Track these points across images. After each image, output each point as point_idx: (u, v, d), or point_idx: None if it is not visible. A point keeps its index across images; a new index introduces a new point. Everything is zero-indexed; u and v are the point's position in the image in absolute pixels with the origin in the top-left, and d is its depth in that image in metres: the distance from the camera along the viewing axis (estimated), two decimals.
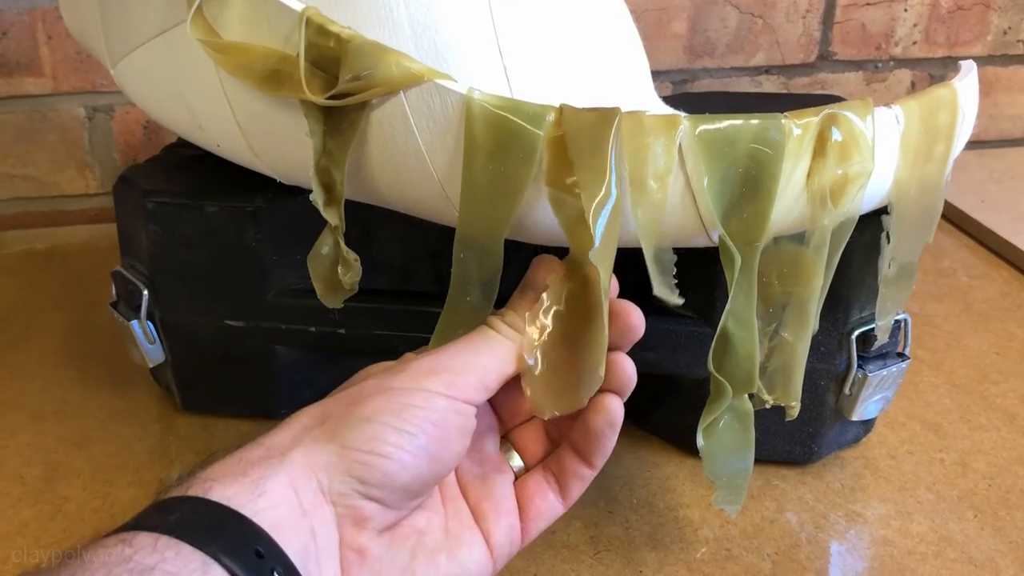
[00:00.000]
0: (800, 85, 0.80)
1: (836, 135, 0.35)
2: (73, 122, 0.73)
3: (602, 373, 0.34)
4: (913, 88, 0.82)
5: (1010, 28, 0.81)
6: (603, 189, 0.32)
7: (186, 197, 0.45)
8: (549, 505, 0.36)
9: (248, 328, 0.47)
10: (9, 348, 0.58)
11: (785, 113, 0.35)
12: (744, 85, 0.79)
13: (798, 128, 0.34)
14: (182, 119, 0.43)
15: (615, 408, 0.35)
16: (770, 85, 0.79)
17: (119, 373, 0.55)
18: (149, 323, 0.48)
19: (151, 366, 0.50)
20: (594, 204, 0.32)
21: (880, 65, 0.81)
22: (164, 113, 0.44)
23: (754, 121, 0.34)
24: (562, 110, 0.33)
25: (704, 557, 0.42)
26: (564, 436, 0.37)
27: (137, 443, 0.49)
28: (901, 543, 0.42)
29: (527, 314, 0.34)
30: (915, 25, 0.79)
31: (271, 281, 0.46)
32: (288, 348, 0.48)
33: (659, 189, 0.34)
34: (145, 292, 0.47)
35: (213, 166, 0.45)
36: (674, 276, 0.35)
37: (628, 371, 0.35)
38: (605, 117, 0.33)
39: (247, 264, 0.46)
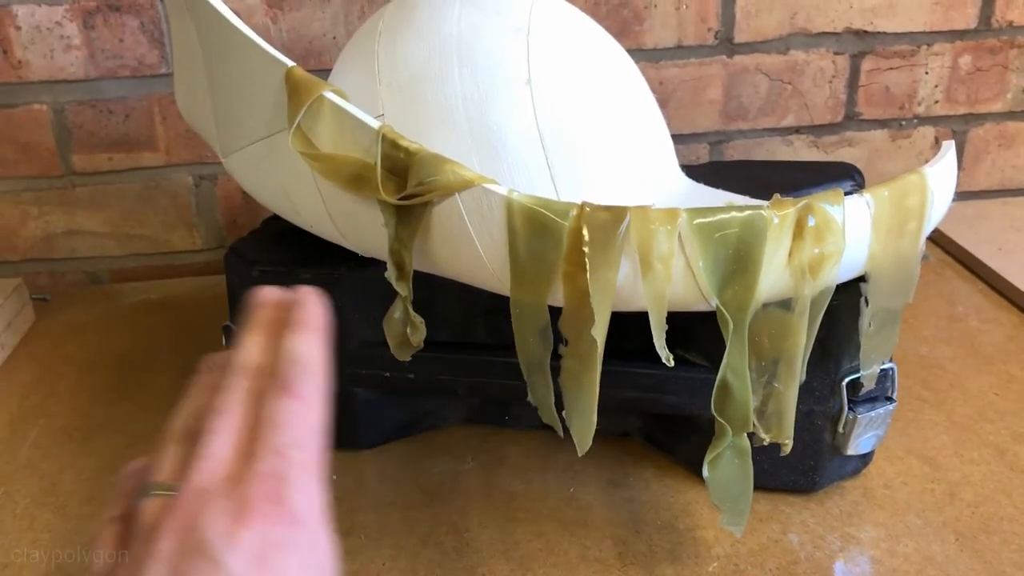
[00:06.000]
0: (829, 143, 0.87)
1: (812, 221, 0.43)
2: (183, 189, 0.84)
3: (595, 418, 0.43)
4: (937, 143, 0.88)
5: None
6: (607, 278, 0.41)
7: (285, 266, 0.55)
8: None
9: (333, 373, 0.56)
10: (134, 387, 0.68)
11: (767, 204, 0.42)
12: (776, 144, 0.86)
13: (777, 217, 0.42)
14: (283, 205, 0.53)
15: None
16: (800, 144, 0.86)
17: None
18: None
19: None
20: (600, 288, 0.41)
21: (904, 123, 0.87)
22: (268, 198, 0.54)
23: (740, 213, 0.42)
24: (583, 207, 0.42)
25: (714, 571, 0.49)
26: None
27: None
28: (888, 562, 0.49)
29: None
30: (936, 86, 0.86)
31: (353, 335, 0.55)
32: (366, 390, 0.57)
33: (663, 269, 0.42)
34: None
35: (305, 240, 0.55)
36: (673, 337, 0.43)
37: None
38: (616, 216, 0.41)
39: (333, 321, 0.55)
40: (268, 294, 0.35)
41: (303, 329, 0.33)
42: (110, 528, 0.31)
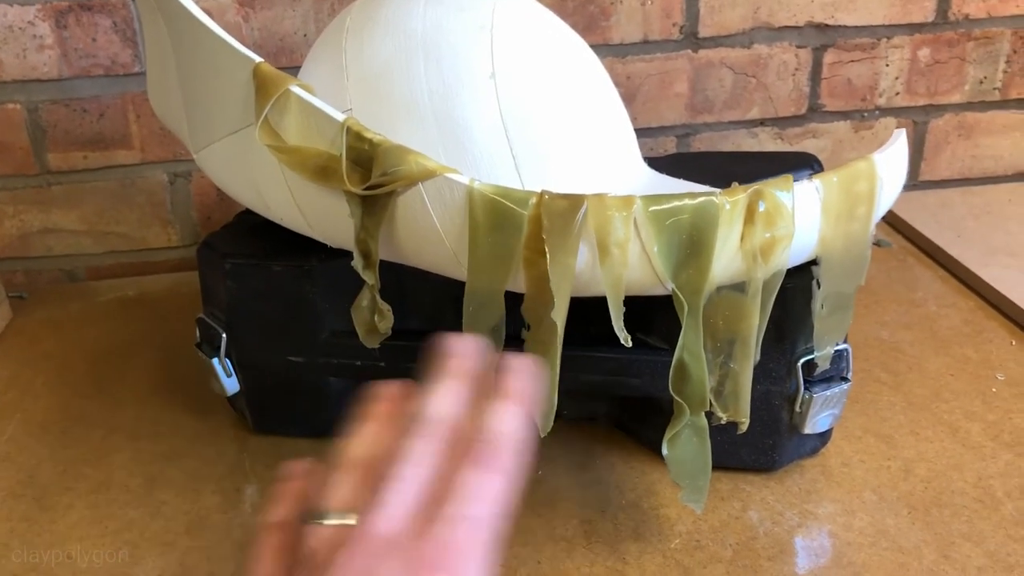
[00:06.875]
0: (793, 134, 0.89)
1: (762, 206, 0.44)
2: (158, 186, 0.85)
3: (555, 400, 0.45)
4: None
5: (986, 78, 0.89)
6: (566, 263, 0.42)
7: (257, 258, 0.56)
8: None
9: (306, 363, 0.58)
10: (111, 381, 0.69)
11: (719, 191, 0.44)
12: (742, 136, 0.88)
13: (729, 203, 0.44)
14: (253, 198, 0.54)
15: None
16: (765, 136, 0.88)
17: (201, 401, 0.65)
18: (227, 360, 0.59)
19: (228, 395, 0.60)
20: (559, 273, 0.42)
21: (866, 114, 0.89)
22: (238, 192, 0.55)
23: (693, 200, 0.43)
24: (542, 195, 0.43)
25: (677, 547, 0.51)
26: None
27: (218, 458, 0.60)
28: (843, 535, 0.51)
29: None
30: (897, 78, 0.88)
31: (324, 325, 0.56)
32: (338, 379, 0.59)
33: (620, 254, 0.43)
34: (224, 335, 0.58)
35: (277, 233, 0.56)
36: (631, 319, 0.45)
37: None
38: (574, 203, 0.42)
39: (305, 311, 0.56)
40: (467, 345, 0.35)
41: (512, 401, 0.32)
42: (270, 537, 0.31)
